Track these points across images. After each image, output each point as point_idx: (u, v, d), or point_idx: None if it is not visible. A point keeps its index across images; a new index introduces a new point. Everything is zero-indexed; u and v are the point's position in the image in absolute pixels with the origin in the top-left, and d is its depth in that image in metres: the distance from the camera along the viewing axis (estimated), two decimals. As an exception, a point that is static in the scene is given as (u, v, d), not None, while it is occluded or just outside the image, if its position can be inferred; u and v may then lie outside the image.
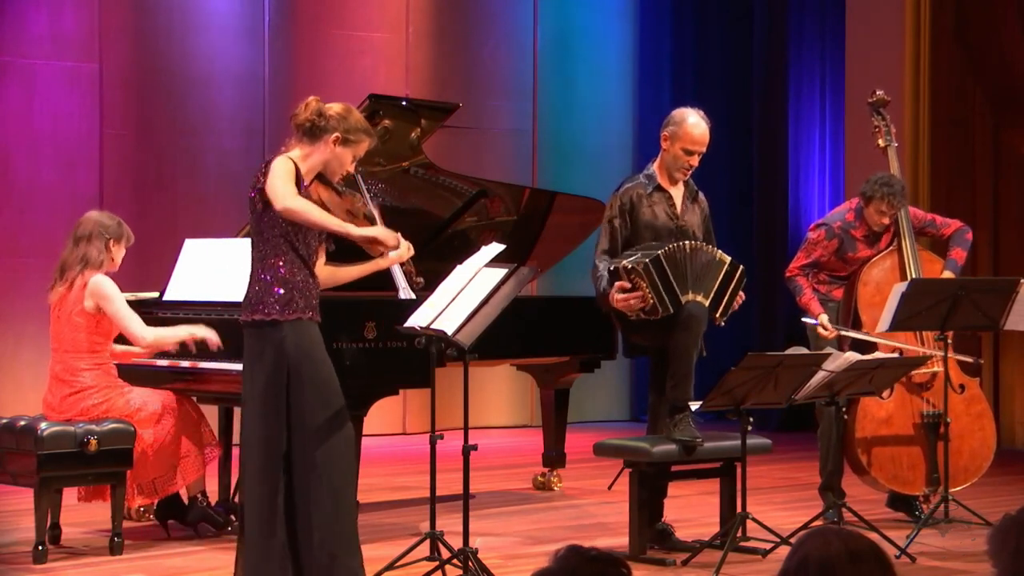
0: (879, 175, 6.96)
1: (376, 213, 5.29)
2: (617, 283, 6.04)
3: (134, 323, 6.31)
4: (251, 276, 5.08)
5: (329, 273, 5.26)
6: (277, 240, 4.99)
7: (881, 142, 7.21)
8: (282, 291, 4.97)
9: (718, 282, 6.14)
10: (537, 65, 11.48)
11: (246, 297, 5.07)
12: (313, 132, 5.07)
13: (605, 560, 2.59)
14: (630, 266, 6.02)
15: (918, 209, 7.36)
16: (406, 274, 5.58)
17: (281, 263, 4.99)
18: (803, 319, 6.98)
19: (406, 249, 5.22)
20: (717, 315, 6.18)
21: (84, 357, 6.30)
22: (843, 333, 6.82)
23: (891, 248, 6.96)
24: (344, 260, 5.34)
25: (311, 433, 4.98)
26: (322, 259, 5.21)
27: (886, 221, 6.92)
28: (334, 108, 5.11)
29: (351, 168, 5.23)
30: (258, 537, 4.99)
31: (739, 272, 6.18)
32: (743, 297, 6.24)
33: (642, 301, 6.00)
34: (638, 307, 6.01)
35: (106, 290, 6.28)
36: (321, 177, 5.12)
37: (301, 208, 4.92)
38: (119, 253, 6.42)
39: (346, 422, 5.08)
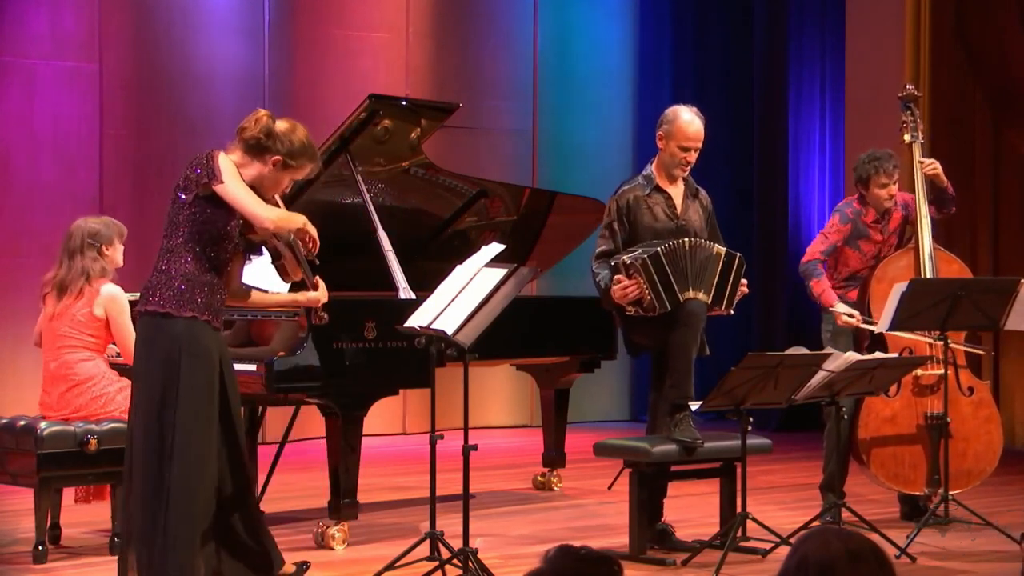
0: (862, 156, 7.00)
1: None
2: (616, 276, 6.05)
3: (133, 341, 6.31)
4: (154, 265, 4.94)
5: (244, 292, 5.21)
6: (192, 237, 4.88)
7: (907, 138, 7.03)
8: (184, 287, 4.86)
9: (717, 275, 6.14)
10: (537, 65, 11.48)
11: (144, 286, 4.96)
12: (257, 148, 4.99)
13: (596, 559, 2.59)
14: (628, 261, 6.03)
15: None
16: (311, 312, 5.46)
17: (190, 259, 4.88)
18: (823, 310, 6.96)
19: (323, 292, 5.27)
20: (723, 307, 6.18)
21: (81, 351, 6.31)
22: (864, 326, 6.78)
23: (908, 246, 6.95)
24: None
25: (180, 434, 4.82)
26: (240, 272, 5.13)
27: (892, 191, 6.93)
28: (282, 127, 4.99)
29: (286, 190, 5.15)
30: (140, 517, 4.86)
31: (737, 260, 6.18)
32: (746, 285, 6.24)
33: (639, 293, 6.00)
34: (634, 297, 6.01)
35: (122, 304, 6.30)
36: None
37: (284, 219, 4.93)
38: (117, 252, 6.42)
39: (204, 443, 4.89)
